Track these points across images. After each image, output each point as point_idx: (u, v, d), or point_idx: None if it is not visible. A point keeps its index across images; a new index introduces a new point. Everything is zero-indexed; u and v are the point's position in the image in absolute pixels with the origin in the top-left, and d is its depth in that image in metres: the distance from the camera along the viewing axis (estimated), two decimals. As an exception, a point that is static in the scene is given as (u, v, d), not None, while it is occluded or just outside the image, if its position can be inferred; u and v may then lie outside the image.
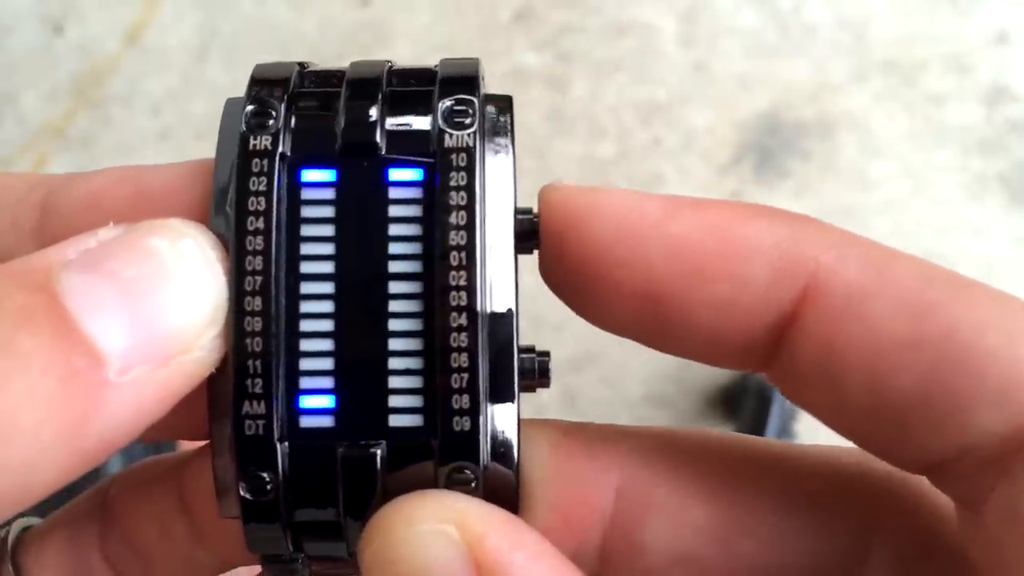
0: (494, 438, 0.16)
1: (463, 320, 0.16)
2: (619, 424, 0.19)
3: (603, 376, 0.64)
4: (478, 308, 0.16)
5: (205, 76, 0.71)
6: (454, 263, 0.16)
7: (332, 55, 0.72)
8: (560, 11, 0.72)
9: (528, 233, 0.17)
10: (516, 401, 0.17)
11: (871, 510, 0.18)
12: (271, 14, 0.73)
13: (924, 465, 0.16)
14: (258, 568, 0.18)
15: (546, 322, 0.63)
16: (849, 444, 0.17)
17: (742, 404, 0.64)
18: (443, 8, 0.73)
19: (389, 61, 0.18)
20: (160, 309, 0.15)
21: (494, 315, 0.16)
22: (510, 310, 0.16)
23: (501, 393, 0.16)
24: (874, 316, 0.16)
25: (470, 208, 0.16)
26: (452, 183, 0.16)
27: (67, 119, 0.72)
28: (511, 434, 0.16)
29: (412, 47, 0.72)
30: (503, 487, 0.17)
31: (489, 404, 0.16)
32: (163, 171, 0.18)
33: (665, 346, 0.17)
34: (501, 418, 0.16)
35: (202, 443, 0.18)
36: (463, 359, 0.16)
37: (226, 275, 0.16)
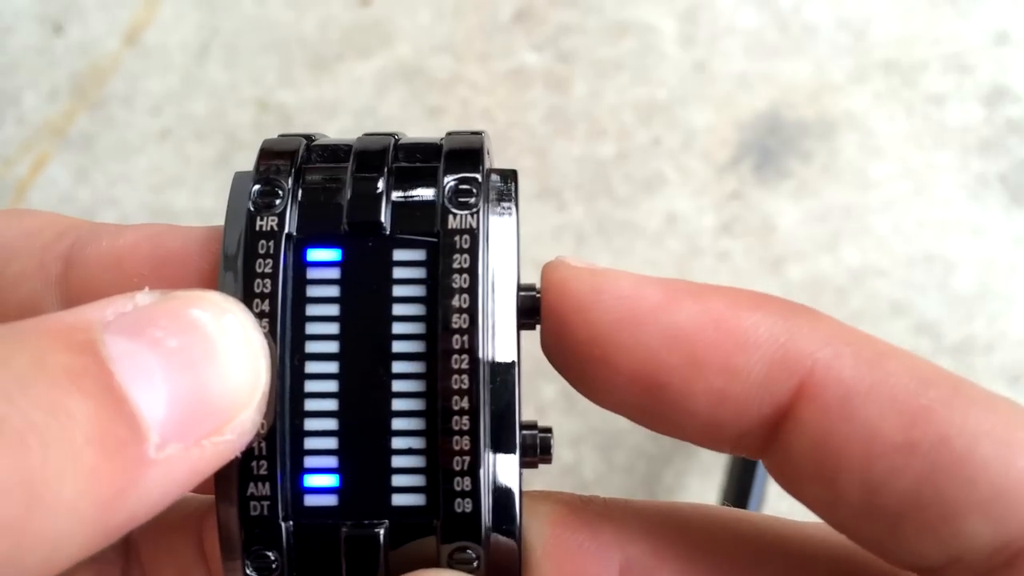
0: (497, 513, 0.16)
1: (465, 403, 0.16)
2: (624, 498, 0.19)
3: (603, 376, 0.64)
4: (480, 390, 0.16)
5: (205, 76, 0.71)
6: (456, 346, 0.16)
7: (332, 55, 0.72)
8: (560, 11, 0.72)
9: (530, 310, 0.17)
10: (519, 480, 0.17)
11: None
12: (271, 14, 0.73)
13: (917, 568, 0.16)
14: None
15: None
16: None
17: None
18: (443, 8, 0.72)
19: (395, 135, 0.18)
20: (201, 385, 0.14)
21: (496, 394, 0.16)
22: (512, 389, 0.17)
23: (504, 473, 0.16)
24: (868, 417, 0.16)
25: (473, 291, 0.16)
26: (455, 265, 0.16)
27: (67, 119, 0.72)
28: (514, 510, 0.17)
29: (412, 47, 0.72)
30: (506, 562, 0.17)
31: (493, 473, 0.16)
32: (180, 235, 0.18)
33: (662, 428, 0.18)
34: (503, 495, 0.16)
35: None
36: (464, 442, 0.16)
37: (267, 356, 0.16)
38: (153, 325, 0.14)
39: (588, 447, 0.62)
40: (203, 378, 0.14)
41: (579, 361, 0.17)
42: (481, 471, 0.16)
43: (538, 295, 0.18)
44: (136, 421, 0.13)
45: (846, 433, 0.16)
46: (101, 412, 0.13)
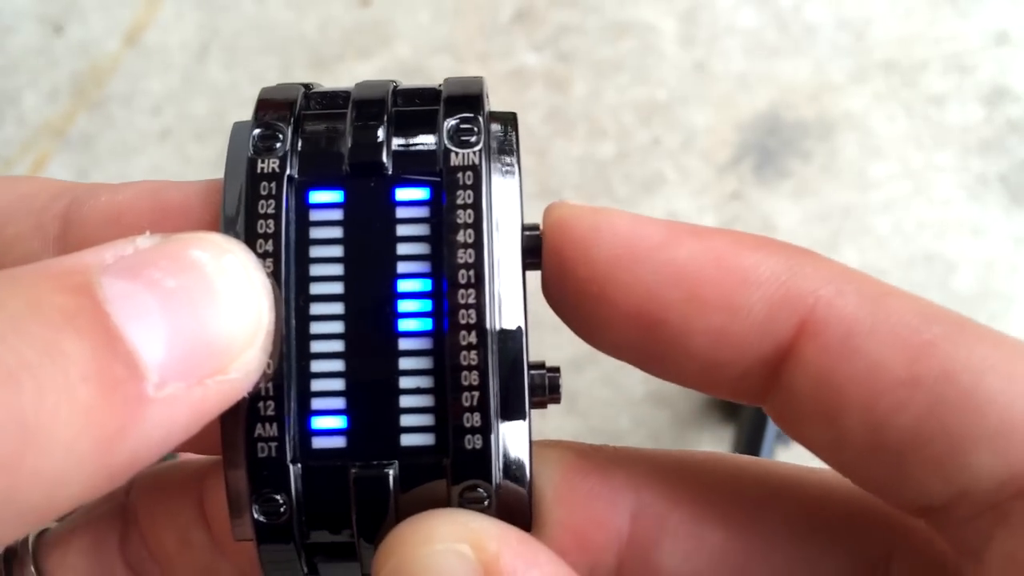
0: (506, 456, 0.16)
1: (472, 338, 0.16)
2: (634, 446, 0.19)
3: (603, 376, 0.64)
4: (487, 326, 0.16)
5: (205, 76, 0.71)
6: (462, 281, 0.16)
7: (332, 55, 0.72)
8: (560, 11, 0.72)
9: (535, 249, 0.17)
10: (527, 418, 0.16)
11: (888, 540, 0.18)
12: (271, 14, 0.73)
13: (922, 507, 0.16)
14: None
15: (546, 322, 0.62)
16: None
17: (742, 406, 0.64)
18: (443, 8, 0.73)
19: (394, 81, 0.18)
20: (201, 324, 0.14)
21: (503, 332, 0.16)
22: (519, 327, 0.16)
23: (512, 410, 0.16)
24: (871, 353, 0.16)
25: (477, 226, 0.16)
26: (459, 201, 0.16)
27: (67, 119, 0.72)
28: (523, 451, 0.16)
29: (412, 47, 0.72)
30: (516, 505, 0.16)
31: (500, 422, 0.16)
32: (180, 189, 0.18)
33: (661, 371, 0.17)
34: (512, 436, 0.16)
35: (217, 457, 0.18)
36: (473, 377, 0.16)
37: (269, 296, 0.16)
38: (151, 266, 0.14)
39: (588, 447, 0.63)
40: (203, 317, 0.14)
41: (578, 300, 0.17)
42: (491, 406, 0.16)
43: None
44: (133, 359, 0.13)
45: (849, 370, 0.16)
46: (97, 351, 0.13)
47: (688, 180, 0.68)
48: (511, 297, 0.17)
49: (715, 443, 0.63)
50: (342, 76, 0.71)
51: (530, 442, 0.17)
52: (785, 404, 0.17)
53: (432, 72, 0.70)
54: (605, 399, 0.64)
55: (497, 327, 0.16)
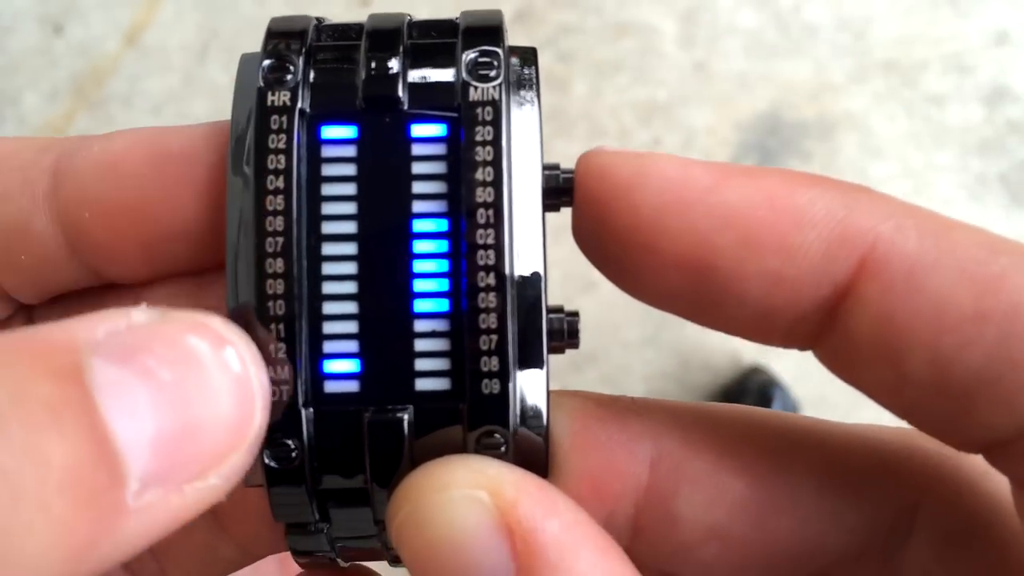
0: (523, 402, 0.16)
1: (491, 280, 0.16)
2: (654, 398, 0.18)
3: (603, 376, 0.63)
4: (506, 268, 0.16)
5: (205, 76, 0.71)
6: (481, 221, 0.16)
7: (332, 55, 0.72)
8: (560, 11, 0.72)
9: (555, 190, 0.17)
10: (545, 365, 0.16)
11: (915, 490, 0.17)
12: (271, 14, 0.73)
13: (984, 444, 0.15)
14: (276, 563, 0.17)
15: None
16: (893, 423, 0.17)
17: (743, 404, 0.64)
18: (443, 8, 0.72)
19: (408, 14, 0.18)
20: (190, 426, 0.13)
21: (522, 276, 0.16)
22: (538, 271, 0.16)
23: (530, 357, 0.16)
24: (936, 289, 0.15)
25: (497, 164, 0.16)
26: (478, 138, 0.16)
27: (67, 119, 0.72)
28: (540, 398, 0.16)
29: (412, 47, 0.72)
30: (532, 452, 0.16)
31: (518, 368, 0.16)
32: (181, 133, 0.17)
33: (712, 321, 0.17)
34: (530, 383, 0.16)
35: None
36: (491, 320, 0.16)
37: (265, 396, 0.14)
38: (146, 351, 0.13)
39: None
40: (194, 417, 0.13)
41: (622, 250, 0.16)
42: (509, 350, 0.15)
43: (563, 174, 0.17)
44: (117, 464, 0.12)
45: (913, 308, 0.15)
46: (80, 454, 0.12)
47: (688, 180, 0.68)
48: (531, 239, 0.16)
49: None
50: (342, 76, 0.71)
51: (547, 389, 0.16)
52: (842, 347, 0.16)
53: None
54: (605, 399, 0.64)
55: (516, 269, 0.16)
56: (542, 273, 0.16)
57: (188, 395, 0.13)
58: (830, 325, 0.16)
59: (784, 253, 0.15)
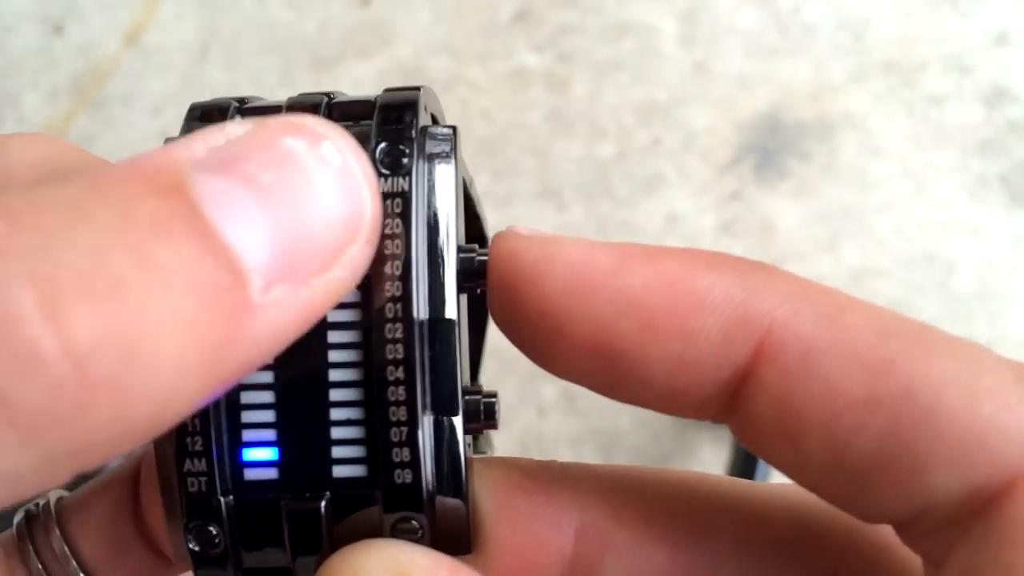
0: (441, 473, 0.16)
1: (400, 373, 0.16)
2: (583, 462, 0.18)
3: (603, 376, 0.64)
4: (415, 360, 0.16)
5: (205, 76, 0.71)
6: (390, 315, 0.16)
7: (332, 55, 0.72)
8: (560, 11, 0.72)
9: (470, 272, 0.17)
10: (463, 444, 0.16)
11: (834, 555, 0.17)
12: (271, 14, 0.73)
13: (887, 521, 0.16)
14: None
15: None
16: None
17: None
18: (443, 8, 0.73)
19: (329, 94, 0.18)
20: (302, 220, 0.13)
21: (436, 362, 0.16)
22: (453, 353, 0.16)
23: (447, 427, 0.16)
24: (829, 373, 0.15)
25: (406, 256, 0.16)
26: (387, 231, 0.16)
27: (67, 119, 0.72)
28: (460, 469, 0.16)
29: (412, 47, 0.72)
30: (453, 523, 0.16)
31: (434, 437, 0.16)
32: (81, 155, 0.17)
33: (622, 397, 0.17)
34: (448, 451, 0.16)
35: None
36: (401, 412, 0.16)
37: (372, 184, 0.14)
38: (245, 159, 0.13)
39: (588, 448, 0.62)
40: (304, 212, 0.13)
41: (531, 332, 0.17)
42: (420, 440, 0.16)
43: (479, 257, 0.17)
44: (236, 264, 0.12)
45: (807, 392, 0.15)
46: (196, 259, 0.12)
47: (688, 180, 0.68)
48: (444, 325, 0.16)
49: (715, 443, 0.63)
50: (342, 76, 0.71)
51: (465, 467, 0.16)
52: (746, 424, 0.16)
53: (432, 72, 0.70)
54: (605, 399, 0.64)
55: (427, 356, 0.16)
56: (457, 355, 0.16)
57: (294, 192, 0.13)
58: (734, 404, 0.16)
59: (684, 338, 0.16)
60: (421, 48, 0.72)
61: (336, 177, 0.14)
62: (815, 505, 0.17)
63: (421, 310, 0.16)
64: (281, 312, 0.13)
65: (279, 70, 0.71)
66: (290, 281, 0.13)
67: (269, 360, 0.14)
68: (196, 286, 0.12)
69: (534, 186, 0.66)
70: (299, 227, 0.13)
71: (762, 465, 0.54)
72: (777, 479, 0.18)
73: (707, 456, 0.62)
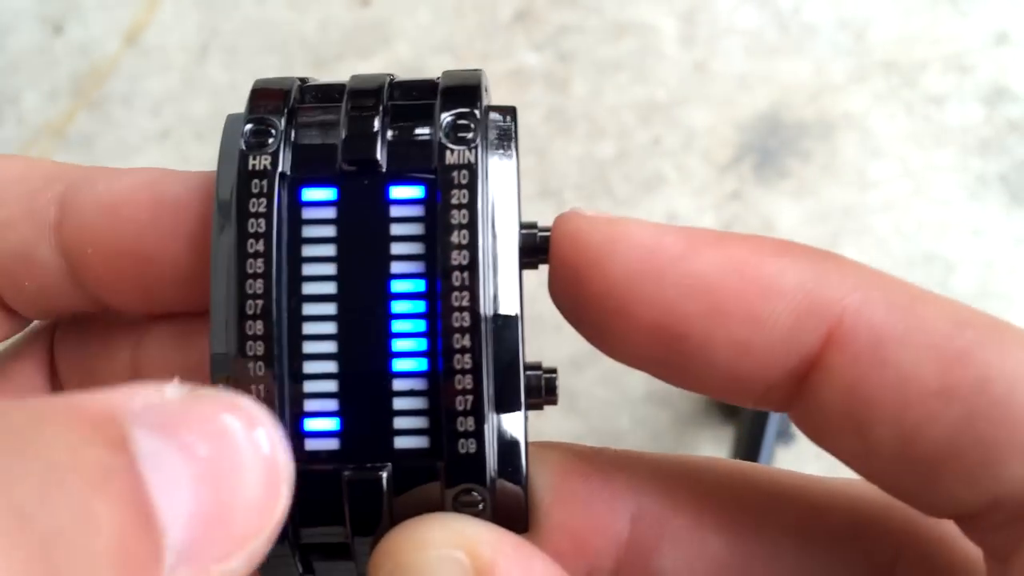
0: (501, 454, 0.16)
1: (467, 341, 0.16)
2: (635, 449, 0.18)
3: (603, 376, 0.64)
4: (482, 329, 0.16)
5: (205, 76, 0.71)
6: (457, 283, 0.16)
7: (332, 55, 0.72)
8: (560, 11, 0.72)
9: (532, 249, 0.17)
10: (523, 414, 0.16)
11: (892, 548, 0.17)
12: (271, 14, 0.73)
13: (952, 514, 0.16)
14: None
15: (546, 322, 0.62)
16: None
17: (742, 407, 0.64)
18: (443, 8, 0.72)
19: (390, 74, 0.18)
20: (224, 504, 0.13)
21: (498, 334, 0.16)
22: (515, 328, 0.16)
23: (507, 407, 0.16)
24: (902, 363, 0.15)
25: (472, 227, 0.16)
26: (454, 201, 0.16)
27: (67, 119, 0.72)
28: (519, 449, 0.16)
29: (412, 47, 0.72)
30: (512, 506, 0.16)
31: (496, 416, 0.16)
32: (180, 180, 0.17)
33: (683, 382, 0.17)
34: (508, 432, 0.16)
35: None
36: (467, 380, 0.16)
37: (291, 481, 0.14)
38: (184, 426, 0.13)
39: (588, 447, 0.62)
40: (228, 495, 0.13)
41: (594, 314, 0.17)
42: (485, 409, 0.16)
43: (540, 233, 0.17)
44: (157, 536, 0.12)
45: (879, 381, 0.15)
46: (126, 522, 0.12)
47: (688, 180, 0.68)
48: (507, 297, 0.16)
49: (715, 443, 0.63)
50: (342, 76, 0.71)
51: (526, 441, 0.16)
52: (812, 413, 0.16)
53: (432, 72, 0.70)
54: (605, 399, 0.64)
55: (492, 329, 0.16)
56: (519, 328, 0.16)
57: (223, 473, 0.13)
58: (800, 392, 0.16)
59: (752, 323, 0.16)
60: (421, 48, 0.72)
61: (263, 466, 0.14)
62: (873, 498, 0.17)
63: (488, 282, 0.16)
64: None
65: (279, 70, 0.71)
66: (194, 565, 0.13)
67: None
68: (119, 552, 0.12)
69: (534, 186, 0.66)
70: (220, 509, 0.13)
71: (765, 449, 0.53)
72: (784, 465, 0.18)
73: (706, 451, 0.62)
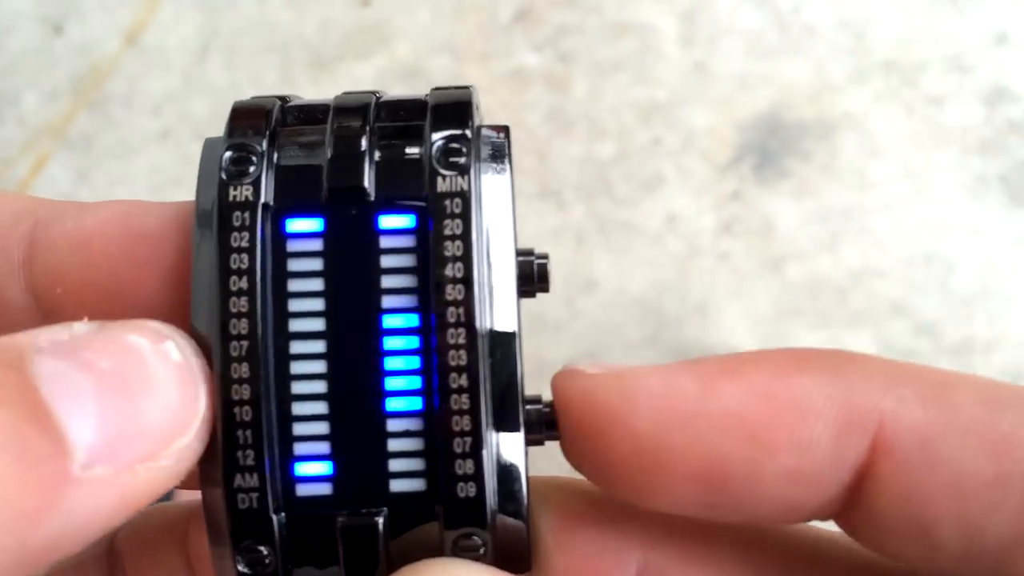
0: (502, 490, 0.15)
1: (464, 380, 0.15)
2: None
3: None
4: (480, 367, 0.15)
5: (205, 76, 0.71)
6: (452, 319, 0.15)
7: (332, 55, 0.72)
8: (560, 11, 0.72)
9: (529, 277, 0.16)
10: (524, 449, 0.16)
11: None
12: (271, 14, 0.73)
13: None
14: None
15: (546, 322, 0.62)
16: None
17: None
18: (443, 8, 0.72)
19: (376, 92, 0.17)
20: (134, 409, 0.14)
21: (496, 369, 0.15)
22: (514, 362, 0.16)
23: (507, 442, 0.15)
24: (952, 457, 0.15)
25: (467, 259, 0.15)
26: (447, 232, 0.15)
27: (67, 119, 0.72)
28: (520, 486, 0.16)
29: (412, 47, 0.72)
30: (513, 541, 0.16)
31: (496, 452, 0.15)
32: (154, 212, 0.17)
33: (731, 518, 0.16)
34: (508, 467, 0.16)
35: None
36: (465, 421, 0.15)
37: (208, 386, 0.15)
38: (87, 348, 0.14)
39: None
40: (137, 401, 0.14)
41: (627, 474, 0.16)
42: (484, 452, 0.15)
43: (537, 261, 0.16)
44: (59, 436, 0.13)
45: (933, 480, 0.15)
46: (21, 424, 0.12)
47: (688, 180, 0.68)
48: (505, 331, 0.16)
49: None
50: (342, 76, 0.71)
51: (527, 482, 0.16)
52: (867, 522, 0.16)
53: (432, 72, 0.70)
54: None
55: (489, 365, 0.15)
56: (518, 363, 0.15)
57: (130, 381, 0.14)
58: (851, 503, 0.16)
59: (796, 449, 0.15)
60: (421, 48, 0.72)
61: (175, 371, 0.14)
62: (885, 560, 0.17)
63: (484, 316, 0.15)
64: (100, 491, 0.13)
65: (279, 70, 0.71)
66: (114, 464, 0.13)
67: (80, 546, 0.14)
68: (16, 447, 0.12)
69: (534, 186, 0.66)
70: (131, 414, 0.14)
71: None
72: None
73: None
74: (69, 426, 0.13)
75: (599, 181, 0.67)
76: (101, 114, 0.71)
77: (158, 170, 0.69)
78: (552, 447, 0.17)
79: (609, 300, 0.64)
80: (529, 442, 0.16)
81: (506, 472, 0.16)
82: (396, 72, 0.71)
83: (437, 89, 0.17)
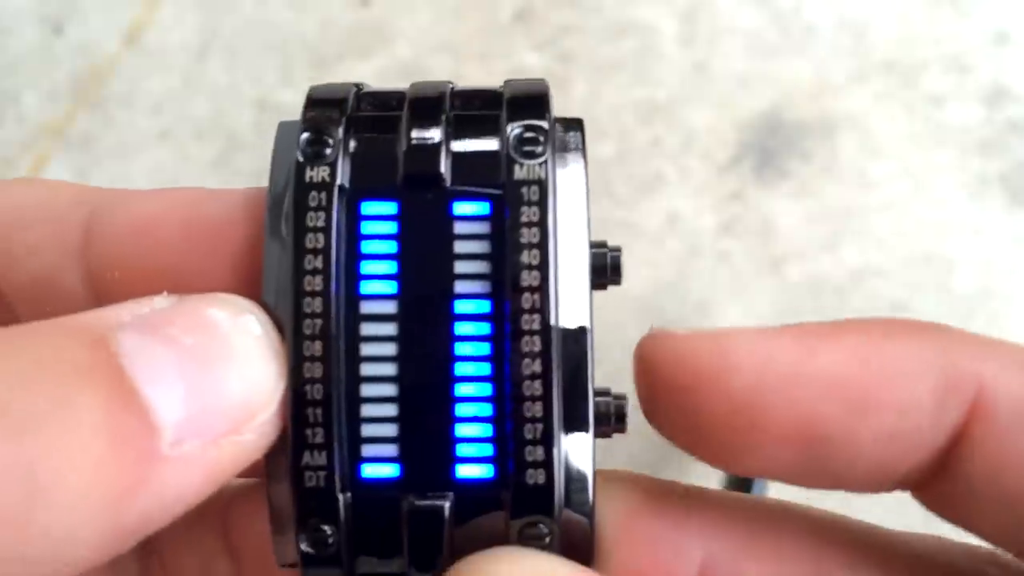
0: (569, 483, 0.15)
1: (537, 367, 0.15)
2: (706, 487, 0.18)
3: (604, 376, 0.63)
4: (552, 353, 0.15)
5: (205, 76, 0.71)
6: (526, 306, 0.15)
7: (332, 55, 0.72)
8: (560, 11, 0.72)
9: (603, 268, 0.16)
10: (592, 442, 0.16)
11: None
12: (271, 14, 0.73)
13: None
14: None
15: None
16: (955, 534, 0.16)
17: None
18: (443, 8, 0.72)
19: (450, 81, 0.17)
20: (218, 383, 0.14)
21: (568, 358, 0.15)
22: (586, 352, 0.16)
23: (576, 432, 0.15)
24: None
25: (543, 246, 0.15)
26: (523, 219, 0.15)
27: (67, 119, 0.72)
28: (587, 478, 0.16)
29: (412, 47, 0.72)
30: (577, 536, 0.16)
31: (564, 443, 0.15)
32: (218, 199, 0.17)
33: (822, 482, 0.16)
34: (576, 460, 0.15)
35: (249, 480, 0.17)
36: (537, 408, 0.15)
37: (285, 359, 0.15)
38: (169, 323, 0.14)
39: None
40: (220, 376, 0.14)
41: (720, 434, 0.16)
42: (555, 438, 0.15)
43: (611, 253, 0.16)
44: (148, 415, 0.13)
45: None
46: (110, 403, 0.13)
47: (688, 180, 0.68)
48: (577, 321, 0.16)
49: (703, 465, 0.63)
50: (342, 76, 0.71)
51: (594, 476, 0.16)
52: (955, 492, 0.16)
53: (432, 72, 0.70)
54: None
55: (562, 353, 0.15)
56: (589, 354, 0.16)
57: (212, 356, 0.14)
58: (941, 470, 0.16)
59: (897, 410, 0.15)
60: (421, 48, 0.72)
61: (256, 346, 0.15)
62: (963, 559, 0.17)
63: (558, 305, 0.15)
64: (188, 467, 0.13)
65: (279, 69, 0.71)
66: (201, 439, 0.14)
67: (168, 521, 0.14)
68: (107, 429, 0.12)
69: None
70: (215, 388, 0.14)
71: (757, 484, 0.52)
72: (773, 492, 0.17)
73: (700, 466, 0.62)
74: (157, 405, 0.13)
75: (599, 181, 0.67)
76: (101, 114, 0.71)
77: (158, 170, 0.69)
78: (610, 442, 0.17)
79: (609, 300, 0.64)
80: (598, 434, 0.16)
81: (573, 463, 0.16)
82: (396, 72, 0.71)
83: (511, 80, 0.17)
